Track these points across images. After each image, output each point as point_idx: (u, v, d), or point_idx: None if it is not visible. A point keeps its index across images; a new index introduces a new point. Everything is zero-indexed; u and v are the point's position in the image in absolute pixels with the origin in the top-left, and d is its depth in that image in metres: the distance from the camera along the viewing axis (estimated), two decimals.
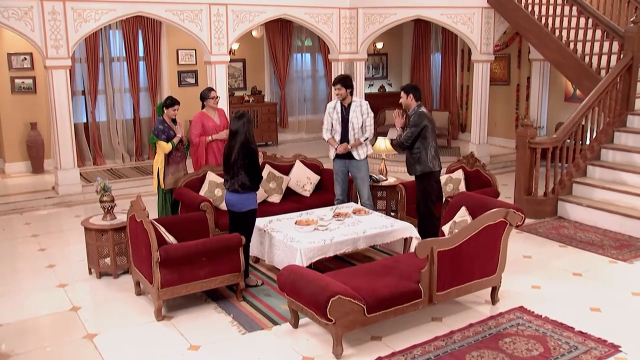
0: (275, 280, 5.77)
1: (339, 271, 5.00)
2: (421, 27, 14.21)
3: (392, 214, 7.49)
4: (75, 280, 5.95)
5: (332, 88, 6.81)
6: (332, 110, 6.86)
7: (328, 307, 4.19)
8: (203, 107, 7.27)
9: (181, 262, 4.95)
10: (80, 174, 9.44)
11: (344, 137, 6.82)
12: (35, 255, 6.70)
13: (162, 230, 5.13)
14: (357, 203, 7.06)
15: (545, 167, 8.02)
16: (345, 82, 6.75)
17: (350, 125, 6.77)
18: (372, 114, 6.89)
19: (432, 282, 4.74)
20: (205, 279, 5.10)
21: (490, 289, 5.28)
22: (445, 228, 5.50)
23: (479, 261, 5.03)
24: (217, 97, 7.28)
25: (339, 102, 6.84)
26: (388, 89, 15.07)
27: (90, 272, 6.05)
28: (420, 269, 4.79)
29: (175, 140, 6.74)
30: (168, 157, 6.77)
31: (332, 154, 6.96)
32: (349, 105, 6.81)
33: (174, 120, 6.85)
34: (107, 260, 5.92)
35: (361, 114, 6.80)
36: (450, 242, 4.78)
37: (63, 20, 8.66)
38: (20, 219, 8.19)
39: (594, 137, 8.36)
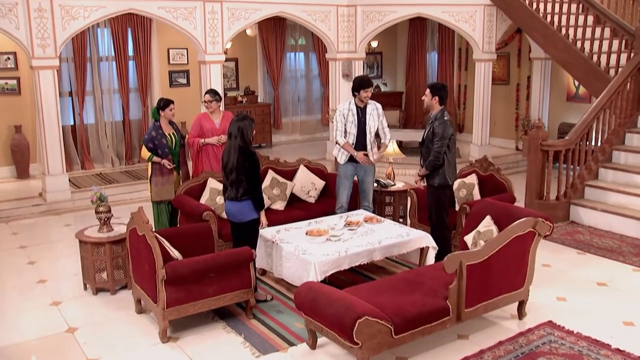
0: (284, 294, 5.47)
1: (359, 287, 4.64)
2: (417, 25, 13.92)
3: (401, 220, 7.18)
4: (69, 297, 5.52)
5: (360, 91, 6.35)
6: (347, 112, 6.47)
7: (354, 329, 3.84)
8: None
9: (188, 280, 4.56)
10: (69, 180, 8.97)
11: (360, 141, 6.48)
12: (25, 269, 6.25)
13: (167, 244, 4.74)
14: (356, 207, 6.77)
15: (558, 170, 7.75)
16: (372, 84, 6.51)
17: (367, 128, 6.46)
18: (385, 116, 6.62)
19: (461, 299, 4.41)
20: (214, 296, 4.71)
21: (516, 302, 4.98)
22: (469, 238, 5.17)
23: (507, 274, 4.71)
24: (210, 100, 6.70)
25: (353, 103, 6.49)
26: (383, 88, 14.74)
27: (85, 288, 5.63)
28: (445, 283, 4.47)
29: (156, 159, 6.26)
30: (155, 167, 6.31)
31: (342, 158, 6.59)
32: (365, 107, 6.48)
33: (172, 123, 6.47)
34: (104, 275, 5.50)
35: (377, 116, 6.50)
36: (480, 255, 4.46)
37: (50, 17, 8.18)
38: (6, 229, 7.70)
39: (605, 138, 8.10)
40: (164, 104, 6.37)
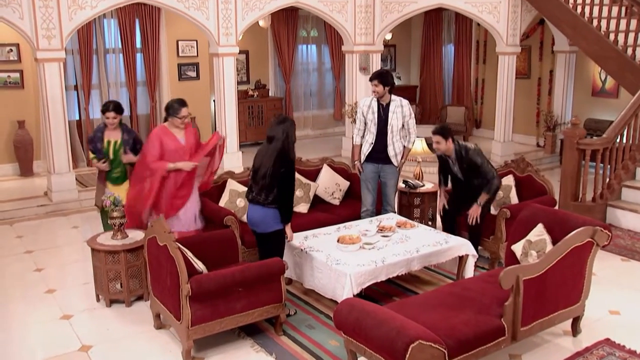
0: (314, 307, 5.07)
1: (403, 302, 4.23)
2: (432, 17, 13.43)
3: (430, 223, 6.76)
4: (81, 309, 5.08)
5: (370, 84, 6.02)
6: (367, 109, 6.04)
7: (407, 355, 3.42)
8: (166, 119, 5.40)
9: (215, 295, 4.14)
10: (75, 178, 8.52)
11: (380, 141, 6.05)
12: (31, 277, 5.82)
13: (190, 255, 4.31)
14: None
15: (595, 170, 7.32)
16: (384, 78, 5.96)
17: (389, 127, 6.02)
18: (413, 115, 6.15)
19: (517, 317, 3.99)
20: (242, 312, 4.29)
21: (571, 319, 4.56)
22: (517, 248, 4.74)
23: (564, 288, 4.30)
24: (188, 115, 5.35)
25: (374, 99, 6.05)
26: (397, 82, 14.22)
27: (98, 299, 5.21)
28: (497, 298, 4.08)
29: (97, 164, 5.71)
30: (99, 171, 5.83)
31: (362, 157, 6.20)
32: (387, 104, 6.03)
33: (126, 129, 5.83)
34: (118, 285, 5.08)
35: (402, 115, 6.05)
36: (537, 269, 4.04)
37: (56, 7, 7.72)
38: (11, 231, 7.26)
39: None
40: (103, 108, 5.75)
